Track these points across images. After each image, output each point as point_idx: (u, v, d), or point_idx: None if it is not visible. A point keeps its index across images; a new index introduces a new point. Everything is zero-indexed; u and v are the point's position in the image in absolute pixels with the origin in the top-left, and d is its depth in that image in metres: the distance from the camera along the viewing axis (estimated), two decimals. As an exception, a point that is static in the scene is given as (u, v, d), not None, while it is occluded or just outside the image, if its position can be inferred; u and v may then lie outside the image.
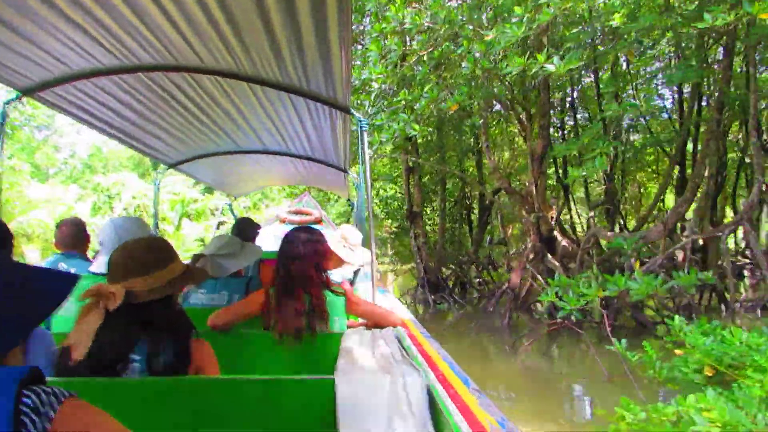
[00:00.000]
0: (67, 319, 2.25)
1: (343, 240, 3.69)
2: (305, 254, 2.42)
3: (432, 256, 15.43)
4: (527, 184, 11.96)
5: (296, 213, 9.23)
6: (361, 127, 3.06)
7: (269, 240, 5.97)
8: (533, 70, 6.18)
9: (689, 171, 12.20)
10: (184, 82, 2.97)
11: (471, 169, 18.25)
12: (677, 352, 3.87)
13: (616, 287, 5.36)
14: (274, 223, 9.12)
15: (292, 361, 2.22)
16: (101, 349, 1.51)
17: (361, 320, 2.61)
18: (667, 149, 13.70)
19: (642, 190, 19.52)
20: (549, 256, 11.11)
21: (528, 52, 6.60)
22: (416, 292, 14.93)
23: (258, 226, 4.30)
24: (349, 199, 8.64)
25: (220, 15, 2.07)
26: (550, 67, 5.99)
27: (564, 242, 11.50)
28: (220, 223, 22.41)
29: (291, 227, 2.67)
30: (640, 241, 8.67)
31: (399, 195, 19.36)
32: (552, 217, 11.63)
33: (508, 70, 6.50)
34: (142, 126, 3.65)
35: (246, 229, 4.02)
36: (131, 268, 1.61)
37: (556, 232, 11.63)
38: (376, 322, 2.51)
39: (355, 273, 3.90)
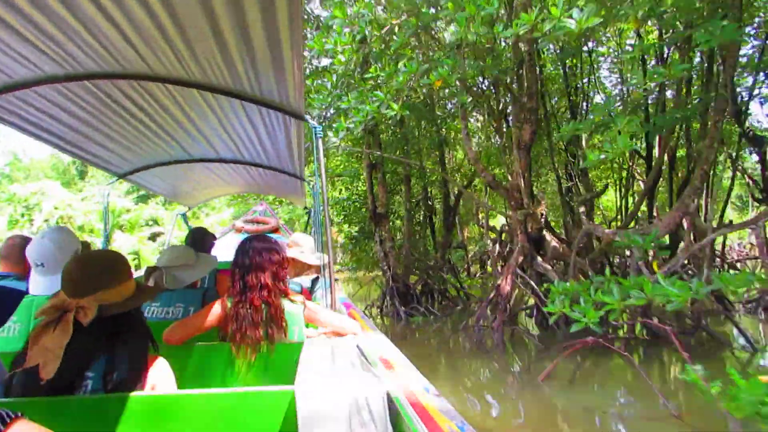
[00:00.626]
0: (8, 339, 2.15)
1: (297, 247, 3.66)
2: (260, 263, 2.38)
3: (399, 262, 13.72)
4: (510, 177, 10.62)
5: (252, 222, 9.14)
6: (315, 133, 3.04)
7: (225, 250, 5.87)
8: (546, 29, 5.02)
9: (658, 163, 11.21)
10: (132, 90, 2.89)
11: (433, 166, 17.06)
12: (763, 378, 3.17)
13: (643, 294, 4.34)
14: (230, 233, 9.00)
15: (251, 373, 2.18)
16: (63, 367, 1.45)
17: (320, 329, 2.59)
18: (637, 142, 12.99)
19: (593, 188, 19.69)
20: (539, 258, 9.80)
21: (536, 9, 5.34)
22: (383, 303, 13.25)
23: (213, 237, 4.22)
24: (305, 207, 8.59)
25: (167, 21, 2.02)
26: (570, 23, 4.71)
27: (554, 242, 10.20)
28: (154, 235, 21.25)
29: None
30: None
31: (356, 196, 17.76)
32: (541, 214, 10.40)
33: (507, 33, 5.53)
34: (89, 136, 3.54)
35: (201, 240, 3.94)
36: (100, 280, 1.57)
37: (544, 231, 10.33)
38: (335, 331, 2.49)
39: (314, 281, 3.88)
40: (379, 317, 12.93)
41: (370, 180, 13.74)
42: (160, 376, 1.70)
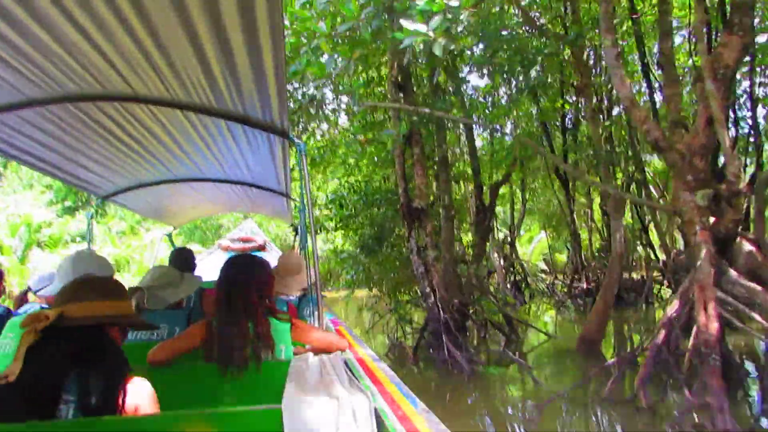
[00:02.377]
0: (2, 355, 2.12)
1: (281, 278, 3.65)
2: (246, 281, 2.37)
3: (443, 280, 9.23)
4: (676, 143, 6.38)
5: (238, 240, 9.14)
6: (300, 150, 3.05)
7: (211, 270, 5.84)
8: None
9: None
10: (114, 111, 2.88)
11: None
12: None
13: None
14: (216, 252, 8.98)
15: (238, 393, 2.16)
16: (33, 372, 1.46)
17: (308, 346, 2.58)
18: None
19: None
20: (732, 272, 6.17)
21: None
22: (417, 343, 8.94)
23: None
24: (292, 224, 8.58)
25: (149, 43, 2.03)
26: None
27: (747, 245, 6.62)
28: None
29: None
30: None
31: (363, 188, 12.28)
32: (744, 196, 6.59)
33: None
34: (71, 158, 3.52)
35: (185, 259, 3.93)
36: (71, 294, 1.64)
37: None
38: (323, 348, 2.48)
39: (301, 298, 3.86)
40: (413, 371, 8.41)
41: (402, 159, 9.63)
42: (143, 398, 1.68)
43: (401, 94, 9.16)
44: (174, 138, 3.44)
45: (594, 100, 7.89)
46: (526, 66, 8.81)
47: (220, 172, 4.47)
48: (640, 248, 17.04)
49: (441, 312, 8.45)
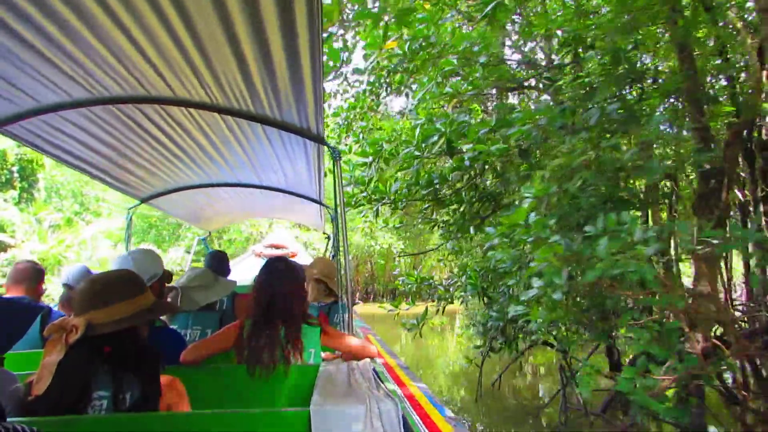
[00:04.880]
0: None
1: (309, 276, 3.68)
2: (281, 285, 2.39)
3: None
4: None
5: (271, 247, 9.24)
6: (334, 156, 3.06)
7: (244, 274, 5.91)
8: None
9: None
10: (155, 113, 2.94)
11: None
12: None
13: None
14: (249, 258, 9.09)
15: (267, 395, 2.17)
16: (62, 385, 1.46)
17: (337, 352, 2.57)
18: None
19: None
20: None
21: None
22: None
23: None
24: (325, 232, 8.61)
25: (191, 47, 2.07)
26: None
27: None
28: (6, 245, 14.57)
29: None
30: None
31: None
32: None
33: None
34: (112, 159, 3.60)
35: (220, 263, 3.97)
36: (93, 300, 1.59)
37: None
38: (352, 354, 2.47)
39: (332, 305, 3.87)
40: None
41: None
42: (176, 397, 1.70)
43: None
44: (212, 142, 3.50)
45: None
46: None
47: (255, 177, 4.52)
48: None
49: None
